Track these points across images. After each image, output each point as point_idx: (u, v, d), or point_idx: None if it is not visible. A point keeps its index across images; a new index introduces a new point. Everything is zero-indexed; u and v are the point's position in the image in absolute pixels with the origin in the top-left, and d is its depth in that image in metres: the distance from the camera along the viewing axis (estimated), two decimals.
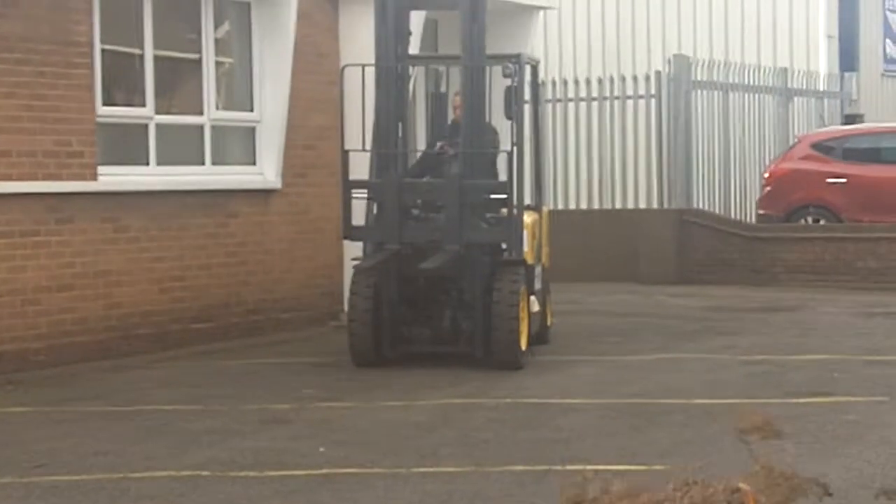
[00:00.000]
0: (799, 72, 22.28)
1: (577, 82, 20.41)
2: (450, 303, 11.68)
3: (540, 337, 12.48)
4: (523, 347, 11.50)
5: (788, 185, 19.07)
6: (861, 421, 9.01)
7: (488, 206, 11.76)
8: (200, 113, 13.40)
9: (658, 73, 19.81)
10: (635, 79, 19.94)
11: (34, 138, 11.52)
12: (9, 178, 11.33)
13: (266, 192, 13.87)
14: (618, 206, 19.98)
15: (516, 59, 12.19)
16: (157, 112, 12.88)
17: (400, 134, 11.77)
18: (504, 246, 11.70)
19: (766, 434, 4.88)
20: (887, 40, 27.71)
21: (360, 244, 12.07)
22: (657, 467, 7.36)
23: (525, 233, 11.83)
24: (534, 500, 7.05)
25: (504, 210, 11.63)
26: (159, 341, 12.57)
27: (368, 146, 11.85)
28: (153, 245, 12.58)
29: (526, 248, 11.82)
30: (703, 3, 23.99)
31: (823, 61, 23.83)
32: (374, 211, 11.81)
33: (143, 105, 12.77)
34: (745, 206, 20.77)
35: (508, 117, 11.80)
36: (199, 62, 13.41)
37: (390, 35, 11.60)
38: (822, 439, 8.36)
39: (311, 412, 9.65)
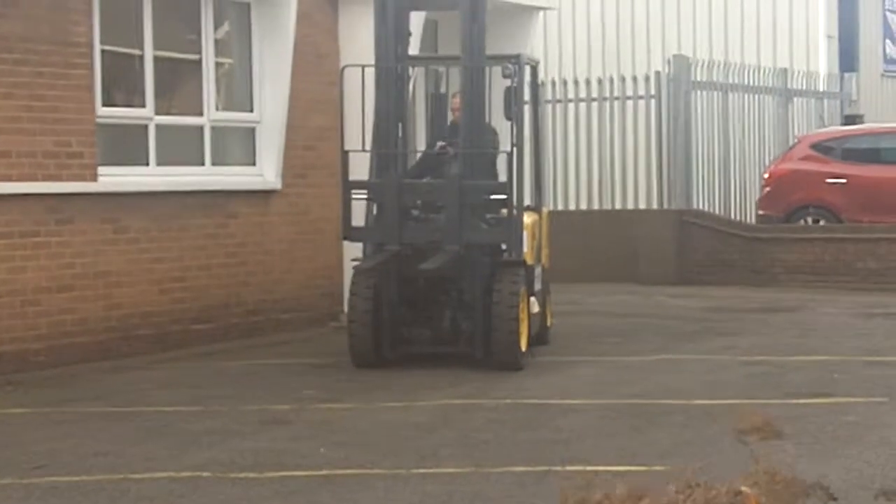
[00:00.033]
0: (799, 72, 22.28)
1: (576, 83, 20.42)
2: (450, 303, 11.68)
3: (540, 338, 12.48)
4: (523, 348, 11.50)
5: (788, 185, 19.07)
6: (861, 422, 9.01)
7: (488, 206, 11.76)
8: (200, 114, 13.41)
9: (658, 74, 19.81)
10: (635, 79, 19.94)
11: (34, 139, 11.52)
12: (8, 178, 11.32)
13: (266, 193, 13.87)
14: (617, 206, 19.98)
15: (516, 59, 12.19)
16: (157, 113, 12.88)
17: (400, 134, 11.77)
18: (504, 247, 11.70)
19: (766, 435, 4.88)
20: (887, 41, 27.71)
21: (359, 245, 12.06)
22: (657, 468, 7.36)
23: (525, 233, 11.83)
24: (534, 500, 7.05)
25: (504, 211, 11.63)
26: (159, 342, 12.57)
27: (368, 147, 11.85)
28: (153, 246, 12.58)
29: (526, 248, 11.82)
30: (702, 4, 23.99)
31: (823, 62, 23.83)
32: (374, 212, 11.81)
33: (143, 106, 12.77)
34: (744, 207, 20.77)
35: (508, 118, 11.80)
36: (198, 63, 13.41)
37: (390, 36, 11.60)
38: (821, 440, 8.36)
39: (311, 413, 9.64)
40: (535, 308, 12.10)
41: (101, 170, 12.14)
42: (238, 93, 14.08)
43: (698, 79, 19.91)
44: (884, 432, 8.63)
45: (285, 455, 8.18)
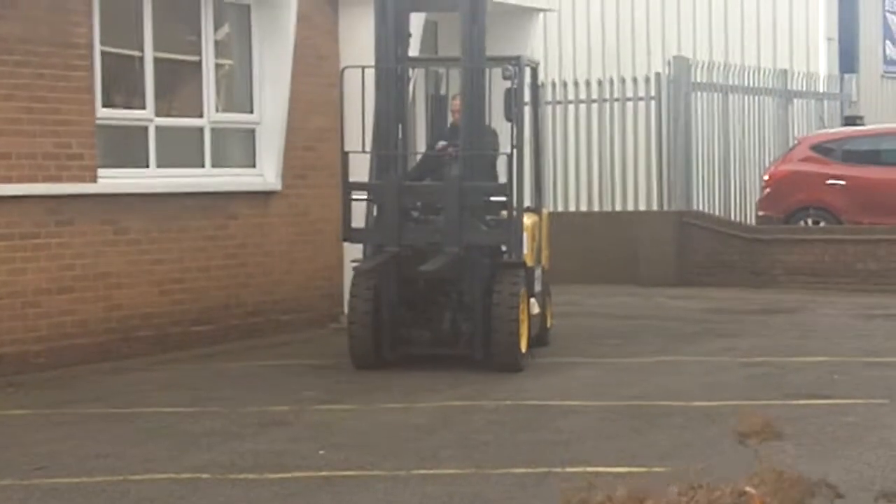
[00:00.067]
0: (799, 73, 22.28)
1: (576, 84, 20.41)
2: (450, 305, 11.68)
3: (540, 339, 12.48)
4: (523, 349, 11.50)
5: (788, 186, 19.07)
6: (861, 423, 9.01)
7: (488, 208, 11.76)
8: (200, 115, 13.41)
9: (658, 75, 19.81)
10: (635, 81, 19.94)
11: (34, 140, 11.52)
12: (8, 180, 11.32)
13: (266, 194, 13.87)
14: (618, 207, 19.98)
15: (516, 61, 12.19)
16: (157, 114, 12.88)
17: (400, 136, 11.78)
18: (504, 248, 11.70)
19: (766, 436, 4.87)
20: (887, 42, 27.71)
21: (359, 246, 12.07)
22: (657, 469, 7.36)
23: (525, 235, 11.83)
24: (534, 502, 7.05)
25: (504, 212, 11.63)
26: (159, 343, 12.57)
27: (368, 148, 11.85)
28: (153, 247, 12.58)
29: (526, 250, 11.82)
30: (702, 5, 24.00)
31: (823, 63, 23.83)
32: (374, 213, 11.81)
33: (143, 107, 12.77)
34: (744, 208, 20.77)
35: (508, 119, 11.80)
36: (199, 64, 13.41)
37: (390, 37, 11.60)
38: (821, 441, 8.36)
39: (311, 414, 9.65)
40: (535, 309, 12.10)
41: (102, 171, 12.14)
42: (238, 94, 14.09)
43: (698, 80, 19.92)
44: (884, 433, 8.63)
45: (285, 456, 8.19)
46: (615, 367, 11.67)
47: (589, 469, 7.11)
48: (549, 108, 20.08)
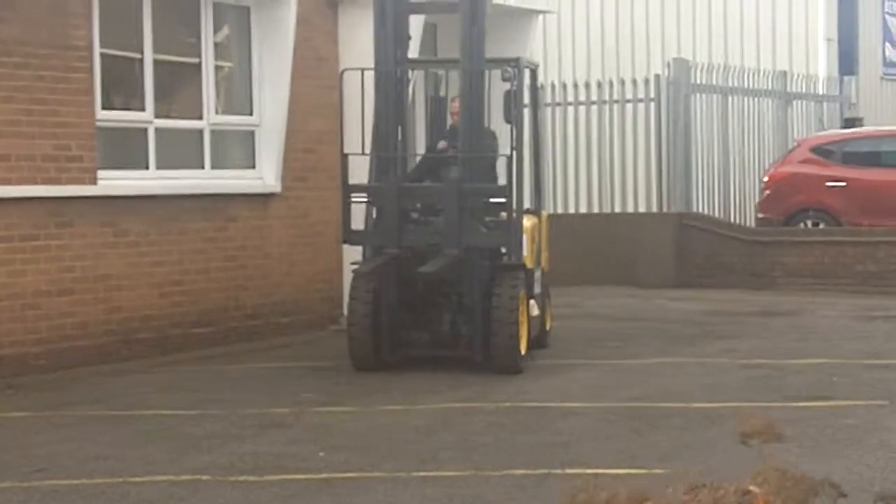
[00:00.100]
0: (798, 75, 22.29)
1: (576, 86, 20.41)
2: (449, 307, 11.68)
3: (539, 341, 12.48)
4: (523, 352, 11.50)
5: (788, 188, 19.08)
6: (861, 425, 9.01)
7: (488, 209, 11.76)
8: (200, 117, 13.41)
9: (657, 77, 19.81)
10: (634, 82, 19.94)
11: (33, 142, 11.52)
12: (8, 182, 11.32)
13: (265, 196, 13.87)
14: (617, 209, 19.97)
15: (515, 62, 12.19)
16: (157, 116, 12.88)
17: (399, 138, 11.78)
18: (503, 250, 11.70)
19: (768, 438, 4.88)
20: (886, 44, 27.71)
21: (359, 248, 12.07)
22: (657, 471, 7.37)
23: (524, 237, 11.83)
24: (534, 503, 7.05)
25: (503, 214, 11.63)
26: (159, 346, 12.56)
27: (368, 150, 11.85)
28: (153, 249, 12.58)
29: (525, 251, 11.82)
30: (702, 7, 24.01)
31: (823, 65, 23.85)
32: (374, 215, 11.81)
33: (143, 109, 12.77)
34: (744, 210, 20.78)
35: (508, 121, 11.79)
36: (198, 66, 13.41)
37: (389, 39, 11.60)
38: (821, 443, 8.35)
39: (311, 416, 9.64)
40: (535, 311, 12.10)
41: (101, 173, 12.14)
42: (238, 96, 14.09)
43: (698, 82, 19.93)
44: (884, 435, 8.63)
45: (285, 458, 8.18)
46: (615, 369, 11.67)
47: (589, 471, 7.10)
48: (549, 109, 20.08)
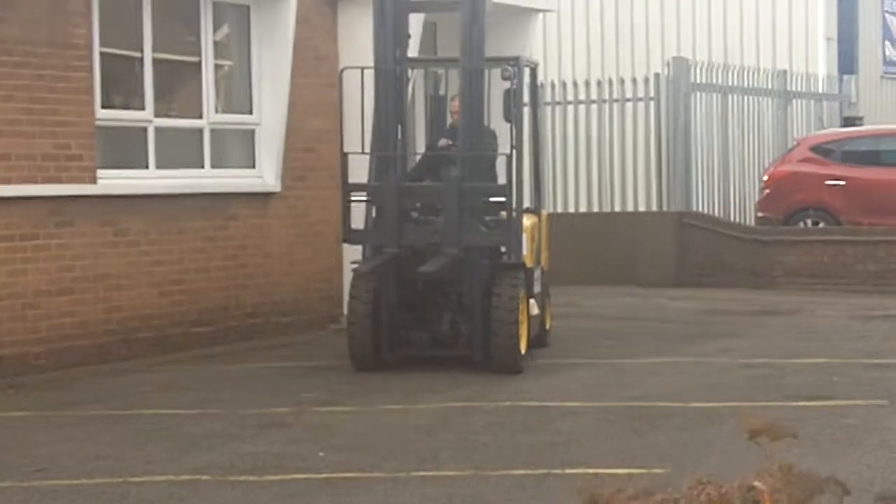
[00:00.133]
0: (798, 74, 22.29)
1: (576, 85, 20.41)
2: (449, 306, 11.68)
3: (539, 340, 12.47)
4: (522, 351, 11.49)
5: (787, 187, 19.08)
6: (860, 425, 9.01)
7: (487, 209, 11.76)
8: (200, 116, 13.41)
9: (657, 76, 19.81)
10: (634, 81, 19.94)
11: (33, 142, 11.52)
12: (8, 181, 11.32)
13: (265, 196, 13.86)
14: (617, 209, 19.97)
15: (515, 61, 12.19)
16: (157, 115, 12.88)
17: (399, 137, 11.78)
18: (503, 249, 11.70)
19: (775, 436, 4.89)
20: (886, 42, 27.72)
21: (359, 247, 12.07)
22: (657, 470, 7.37)
23: (524, 236, 11.83)
24: (533, 503, 7.05)
25: (503, 213, 11.63)
26: (159, 345, 12.56)
27: (367, 149, 11.85)
28: (152, 248, 12.58)
29: (525, 251, 11.82)
30: (702, 6, 24.01)
31: (822, 64, 23.85)
32: (374, 214, 11.81)
33: (143, 108, 12.77)
34: (744, 209, 20.78)
35: (507, 120, 11.79)
36: (198, 65, 13.41)
37: (389, 38, 11.60)
38: (821, 443, 8.35)
39: (311, 416, 9.64)
40: (535, 310, 12.09)
41: (101, 172, 12.14)
42: (237, 95, 14.09)
43: (697, 81, 19.92)
44: (883, 435, 8.63)
45: (285, 458, 8.19)
46: (614, 369, 11.67)
47: (589, 470, 7.10)
48: (549, 108, 20.08)
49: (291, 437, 8.90)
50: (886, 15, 27.75)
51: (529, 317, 11.76)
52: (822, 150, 19.22)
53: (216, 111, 13.58)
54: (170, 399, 10.36)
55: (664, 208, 19.46)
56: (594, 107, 20.12)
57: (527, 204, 12.44)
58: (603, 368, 11.68)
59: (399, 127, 11.76)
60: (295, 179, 14.10)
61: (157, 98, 12.88)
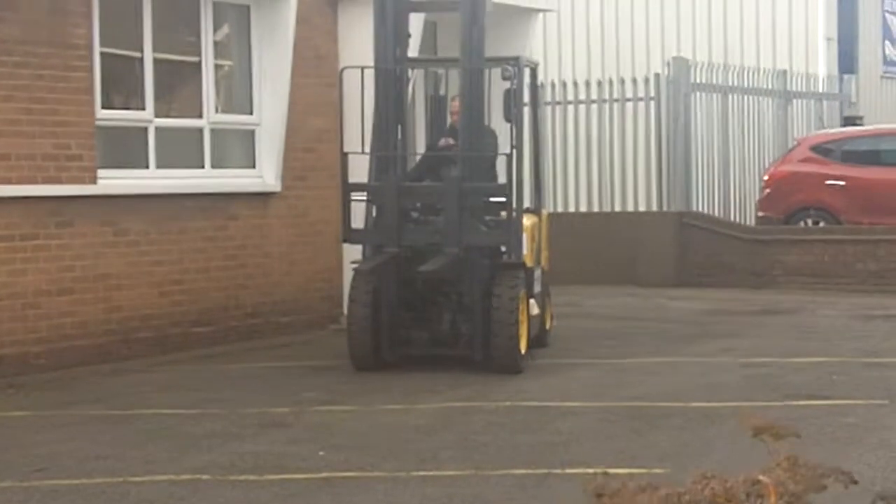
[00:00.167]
0: (798, 74, 22.29)
1: (576, 85, 20.42)
2: (449, 306, 11.68)
3: (539, 340, 12.47)
4: (522, 351, 11.49)
5: (788, 187, 19.08)
6: (860, 424, 9.01)
7: (487, 208, 11.76)
8: (200, 116, 13.41)
9: (657, 76, 19.81)
10: (634, 81, 19.94)
11: (33, 142, 11.53)
12: (8, 181, 11.33)
13: (265, 196, 13.87)
14: (617, 208, 19.98)
15: (515, 61, 12.19)
16: (157, 115, 12.89)
17: (399, 136, 11.78)
18: (503, 249, 11.70)
19: (778, 435, 4.89)
20: (886, 42, 27.72)
21: (359, 247, 12.06)
22: (657, 470, 7.36)
23: (524, 236, 11.83)
24: (534, 503, 7.05)
25: (503, 213, 11.63)
26: (159, 345, 12.57)
27: (368, 149, 11.85)
28: (153, 248, 12.58)
29: (525, 251, 11.82)
30: (702, 6, 24.01)
31: (822, 63, 23.85)
32: (374, 214, 11.81)
33: (143, 108, 12.77)
34: (744, 209, 20.78)
35: (507, 120, 11.79)
36: (198, 65, 13.41)
37: (389, 37, 11.60)
38: (821, 442, 8.34)
39: (311, 416, 9.64)
40: (535, 310, 12.09)
41: (101, 172, 12.14)
42: (237, 95, 14.09)
43: (698, 81, 19.93)
44: (883, 434, 8.63)
45: (285, 458, 8.19)
46: (614, 368, 11.67)
47: (589, 470, 7.10)
48: (549, 108, 20.09)
49: (291, 436, 8.91)
50: (886, 15, 27.75)
51: (529, 316, 11.76)
52: (823, 150, 19.22)
53: (216, 111, 13.59)
54: (170, 399, 10.36)
55: (664, 208, 19.46)
56: (594, 107, 20.13)
57: (527, 204, 12.44)
58: (603, 368, 11.68)
59: (399, 127, 11.76)
60: (295, 179, 14.10)
61: (157, 98, 12.89)
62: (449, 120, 12.65)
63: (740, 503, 4.41)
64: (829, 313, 15.51)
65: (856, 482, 4.79)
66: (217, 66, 13.70)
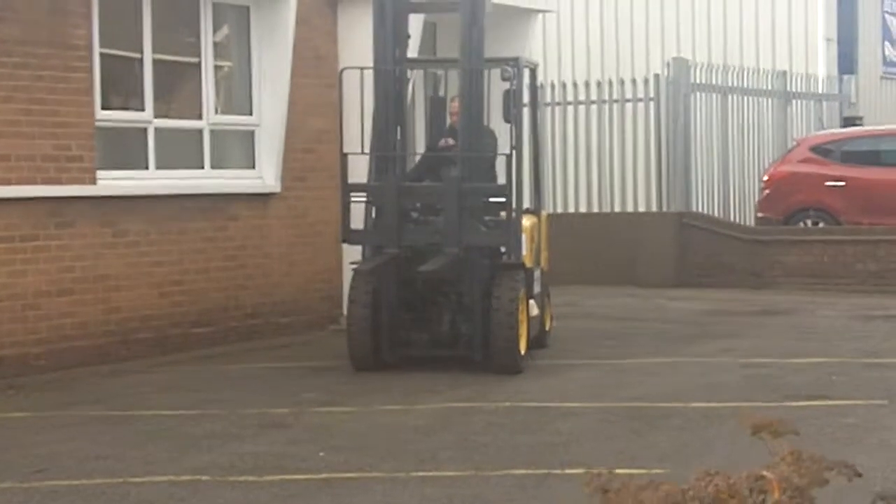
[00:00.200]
0: (798, 75, 22.29)
1: (575, 85, 20.42)
2: (449, 306, 11.68)
3: (539, 340, 12.47)
4: (522, 351, 11.49)
5: (787, 187, 19.09)
6: (860, 424, 9.01)
7: (487, 209, 11.76)
8: (199, 117, 13.41)
9: (657, 77, 19.82)
10: (634, 82, 19.95)
11: (33, 142, 11.53)
12: (8, 182, 11.33)
13: (265, 196, 13.87)
14: (617, 209, 19.99)
15: (515, 62, 12.19)
16: (157, 116, 12.89)
17: (398, 137, 11.78)
18: (503, 249, 11.70)
19: (777, 433, 4.89)
20: (886, 43, 27.73)
21: (359, 248, 12.07)
22: (657, 471, 7.36)
23: (524, 236, 11.83)
24: (534, 503, 7.05)
25: (503, 213, 11.63)
26: (158, 345, 12.57)
27: (367, 149, 11.85)
28: (152, 249, 12.59)
29: (525, 251, 11.82)
30: (702, 6, 24.02)
31: (822, 64, 23.86)
32: (373, 214, 11.81)
33: (143, 109, 12.77)
34: (744, 209, 20.79)
35: (507, 121, 11.80)
36: (198, 66, 13.41)
37: (389, 38, 11.60)
38: (821, 442, 8.33)
39: (311, 416, 9.65)
40: (535, 311, 12.10)
41: (101, 173, 12.15)
42: (237, 96, 14.09)
43: (697, 81, 19.93)
44: (883, 435, 8.64)
45: (285, 459, 8.19)
46: (614, 369, 11.67)
47: (590, 470, 7.09)
48: (549, 109, 20.09)
49: (291, 437, 8.91)
50: (886, 15, 27.76)
51: (529, 317, 11.76)
52: (822, 151, 19.23)
53: (216, 112, 13.59)
54: (170, 399, 10.37)
55: (664, 209, 19.47)
56: (594, 107, 20.13)
57: (527, 204, 12.45)
58: (603, 369, 11.68)
59: (398, 127, 11.76)
60: (295, 180, 14.10)
61: (156, 99, 12.89)
62: (448, 120, 12.66)
63: (744, 499, 4.41)
64: (828, 314, 15.52)
65: (860, 475, 4.79)
66: (217, 67, 13.70)
